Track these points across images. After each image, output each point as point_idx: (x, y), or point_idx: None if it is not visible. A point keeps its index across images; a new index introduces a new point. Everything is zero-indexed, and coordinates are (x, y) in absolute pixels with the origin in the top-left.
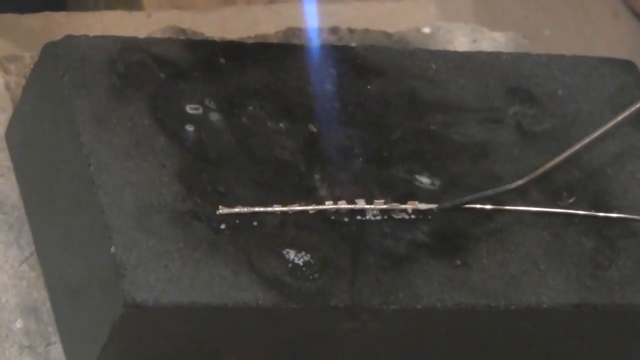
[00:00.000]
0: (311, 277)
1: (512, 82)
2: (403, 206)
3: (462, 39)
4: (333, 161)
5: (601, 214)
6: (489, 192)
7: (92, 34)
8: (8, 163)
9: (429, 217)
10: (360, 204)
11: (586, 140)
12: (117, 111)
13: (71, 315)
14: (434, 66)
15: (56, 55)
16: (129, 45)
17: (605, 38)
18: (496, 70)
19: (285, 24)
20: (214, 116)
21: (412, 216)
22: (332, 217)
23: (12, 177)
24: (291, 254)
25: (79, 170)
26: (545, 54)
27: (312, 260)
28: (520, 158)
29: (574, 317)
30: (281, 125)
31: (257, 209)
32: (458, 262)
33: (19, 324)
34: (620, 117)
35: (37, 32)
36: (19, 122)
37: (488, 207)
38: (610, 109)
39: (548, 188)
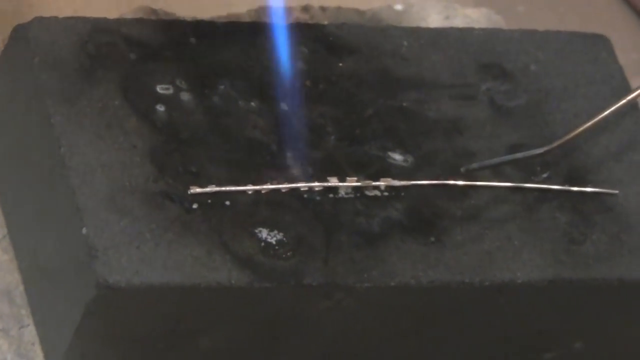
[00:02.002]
0: (284, 255)
1: (484, 58)
2: (376, 183)
3: (434, 16)
4: (305, 139)
5: (575, 189)
6: (518, 155)
7: (63, 15)
8: None
9: (402, 194)
10: (333, 181)
11: (619, 104)
12: (87, 92)
13: (44, 297)
14: (405, 43)
15: (26, 38)
16: (99, 26)
17: (578, 14)
18: (468, 46)
19: (257, 3)
20: (185, 96)
21: (386, 193)
22: (305, 196)
23: None
24: (264, 233)
25: (49, 152)
26: (517, 30)
27: (285, 239)
28: (493, 134)
29: (549, 292)
30: (253, 104)
31: (229, 188)
32: (432, 239)
33: None
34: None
35: (8, 14)
36: None
37: (461, 183)
38: (583, 83)
39: (522, 163)
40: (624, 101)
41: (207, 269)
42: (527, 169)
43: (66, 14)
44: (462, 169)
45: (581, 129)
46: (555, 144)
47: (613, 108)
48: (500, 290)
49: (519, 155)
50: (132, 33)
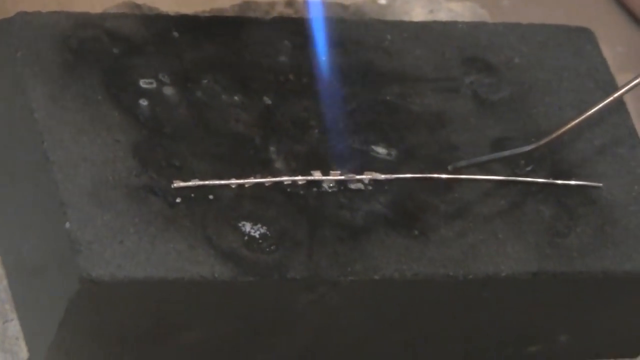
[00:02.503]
0: (268, 249)
1: (468, 52)
2: (359, 177)
3: (418, 10)
4: (289, 133)
5: (559, 182)
6: (506, 153)
7: (47, 10)
8: None
9: (386, 187)
10: (317, 175)
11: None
12: (70, 87)
13: (28, 292)
14: (389, 37)
15: (9, 32)
16: (82, 21)
17: (563, 7)
18: (452, 40)
19: None
20: (168, 90)
21: (369, 187)
22: (289, 190)
23: None
24: (247, 227)
25: (33, 147)
26: (501, 23)
27: (268, 233)
28: (477, 127)
29: (533, 286)
30: (236, 98)
31: (212, 182)
32: (416, 232)
33: None
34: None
35: None
36: None
37: (445, 176)
38: (567, 76)
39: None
40: (611, 98)
41: (191, 263)
42: (511, 163)
43: (50, 9)
44: (450, 167)
45: (568, 126)
46: (542, 142)
47: (601, 105)
48: (485, 284)
49: (506, 153)
50: (115, 28)
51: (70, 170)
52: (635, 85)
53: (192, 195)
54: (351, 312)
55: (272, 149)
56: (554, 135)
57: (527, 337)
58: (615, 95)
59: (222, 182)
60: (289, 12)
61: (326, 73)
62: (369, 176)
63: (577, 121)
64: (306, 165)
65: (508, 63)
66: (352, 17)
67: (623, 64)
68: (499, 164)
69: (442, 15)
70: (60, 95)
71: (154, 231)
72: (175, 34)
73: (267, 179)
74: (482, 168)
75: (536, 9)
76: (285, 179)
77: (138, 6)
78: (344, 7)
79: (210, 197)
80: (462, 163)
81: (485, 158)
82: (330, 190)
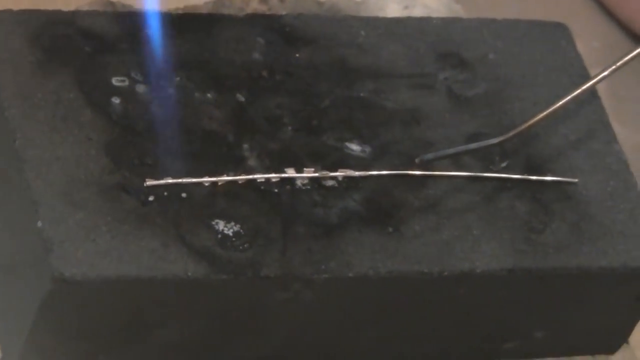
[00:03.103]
0: (241, 247)
1: (442, 47)
2: (333, 174)
3: (393, 6)
4: (262, 130)
5: (534, 178)
6: (473, 145)
7: (20, 8)
8: None
9: (360, 184)
10: (290, 172)
11: (575, 93)
12: (42, 85)
13: (1, 291)
14: (363, 33)
15: None
16: (53, 19)
17: (538, 2)
18: (426, 36)
19: None
20: (141, 88)
21: (343, 184)
22: (262, 187)
23: None
24: (221, 225)
25: (4, 145)
26: (476, 18)
27: (242, 231)
28: (451, 123)
29: (509, 282)
30: (209, 95)
31: (185, 180)
32: (390, 229)
33: None
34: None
35: None
36: None
37: (419, 173)
38: (542, 72)
39: (480, 153)
40: (580, 90)
41: (164, 261)
42: (485, 159)
43: (22, 7)
44: (417, 160)
45: (537, 117)
46: (510, 134)
47: (570, 97)
48: (460, 280)
49: (473, 145)
50: (86, 25)
51: (42, 168)
52: (606, 77)
53: (165, 193)
54: (326, 309)
55: (245, 146)
56: (522, 126)
57: (503, 333)
58: (585, 86)
59: (195, 180)
60: (262, 8)
61: (299, 70)
62: (343, 173)
63: (545, 113)
64: (280, 163)
65: (483, 59)
66: (327, 13)
67: (598, 59)
68: (473, 159)
69: (417, 11)
70: (32, 93)
71: (127, 229)
72: (148, 31)
73: (241, 177)
74: (457, 164)
75: (511, 5)
76: (259, 176)
77: (112, 3)
78: (319, 3)
79: (183, 195)
80: (430, 155)
81: (452, 150)
82: (304, 188)
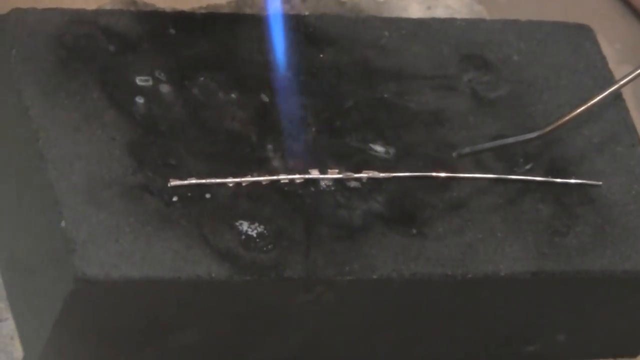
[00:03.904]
0: (265, 248)
1: (466, 49)
2: (357, 175)
3: (416, 6)
4: (286, 131)
5: (558, 180)
6: (510, 139)
7: (42, 7)
8: None
9: (384, 186)
10: (314, 174)
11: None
12: (65, 85)
13: (23, 291)
14: (386, 34)
15: (3, 29)
16: (77, 17)
17: (561, 3)
18: (450, 37)
19: None
20: (164, 88)
21: (367, 186)
22: (286, 188)
23: None
24: (244, 226)
25: (28, 144)
26: (499, 20)
27: (265, 232)
28: (475, 125)
29: (532, 285)
30: (232, 95)
31: (209, 181)
32: (414, 231)
33: None
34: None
35: None
36: None
37: (443, 175)
38: (565, 73)
39: (504, 155)
40: (620, 84)
41: (187, 262)
42: (509, 161)
43: (45, 6)
44: (454, 154)
45: (573, 114)
46: (548, 129)
47: (610, 90)
48: (483, 283)
49: (511, 139)
50: (110, 24)
51: (65, 168)
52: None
53: (189, 194)
54: (348, 311)
55: (269, 147)
56: (562, 121)
57: (526, 336)
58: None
59: (219, 180)
60: (285, 8)
61: (323, 70)
62: (367, 174)
63: (583, 108)
64: (303, 164)
65: (506, 60)
66: (349, 13)
67: (622, 60)
68: (496, 161)
69: (440, 12)
70: (55, 93)
71: (150, 230)
72: (172, 30)
73: (264, 178)
74: (480, 166)
75: (534, 5)
76: (283, 177)
77: (134, 2)
78: (341, 3)
79: (207, 195)
80: (467, 149)
81: (489, 145)
82: (327, 189)
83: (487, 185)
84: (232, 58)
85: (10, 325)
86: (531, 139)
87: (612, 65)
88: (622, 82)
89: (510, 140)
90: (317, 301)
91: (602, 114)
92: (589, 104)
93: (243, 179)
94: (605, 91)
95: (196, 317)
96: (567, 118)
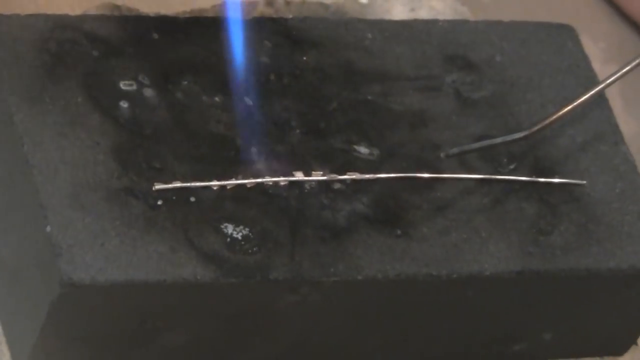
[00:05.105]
0: (250, 251)
1: (449, 50)
2: (341, 177)
3: (399, 8)
4: (270, 134)
5: (542, 180)
6: (498, 140)
7: (26, 13)
8: None
9: (368, 187)
10: (298, 176)
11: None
12: (50, 90)
13: (9, 295)
14: (369, 35)
15: None
16: (60, 23)
17: (545, 3)
18: (433, 38)
19: None
20: (148, 92)
21: (351, 187)
22: (270, 191)
23: None
24: (229, 228)
25: (12, 149)
26: (482, 20)
27: (250, 234)
28: (459, 125)
29: (517, 284)
30: (216, 99)
31: (194, 184)
32: (398, 231)
33: None
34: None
35: None
36: None
37: (427, 175)
38: (548, 73)
39: (488, 155)
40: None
41: (173, 265)
42: (493, 161)
43: (29, 11)
44: (442, 154)
45: (561, 113)
46: (535, 128)
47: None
48: (468, 283)
49: (499, 139)
50: (94, 29)
51: (50, 173)
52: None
53: (174, 197)
54: (334, 312)
55: (253, 149)
56: (548, 120)
57: (512, 335)
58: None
59: (204, 183)
60: (269, 12)
61: (306, 73)
62: (351, 176)
63: (571, 107)
64: (288, 166)
65: (489, 61)
66: (333, 16)
67: (605, 60)
68: (481, 161)
69: (423, 13)
70: (40, 97)
71: (135, 234)
72: (155, 35)
73: (249, 180)
74: (465, 166)
75: (517, 6)
76: (267, 180)
77: (117, 7)
78: (325, 6)
79: (192, 199)
80: (455, 150)
81: (477, 145)
82: (312, 191)
83: (472, 185)
84: (215, 62)
85: None
86: (519, 139)
87: (597, 64)
88: (608, 82)
89: (498, 140)
90: (303, 302)
91: (586, 113)
92: (576, 103)
93: (228, 182)
94: (592, 90)
95: (183, 319)
96: (554, 117)
